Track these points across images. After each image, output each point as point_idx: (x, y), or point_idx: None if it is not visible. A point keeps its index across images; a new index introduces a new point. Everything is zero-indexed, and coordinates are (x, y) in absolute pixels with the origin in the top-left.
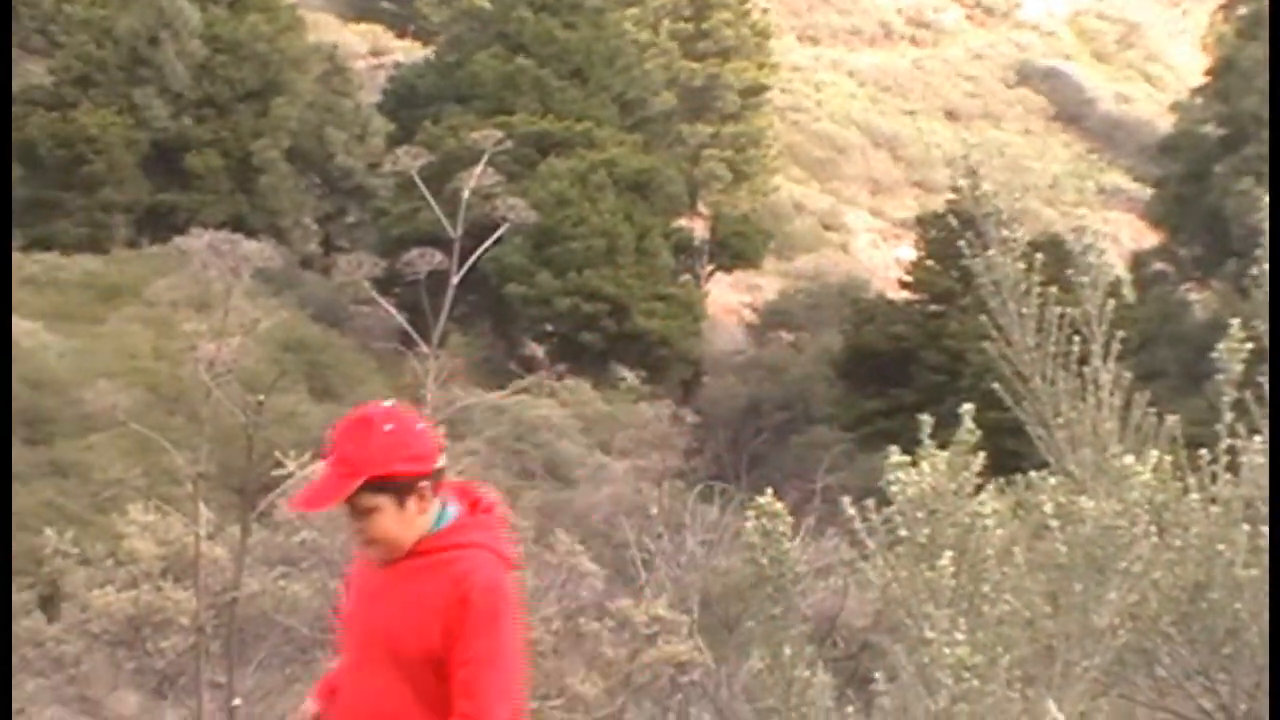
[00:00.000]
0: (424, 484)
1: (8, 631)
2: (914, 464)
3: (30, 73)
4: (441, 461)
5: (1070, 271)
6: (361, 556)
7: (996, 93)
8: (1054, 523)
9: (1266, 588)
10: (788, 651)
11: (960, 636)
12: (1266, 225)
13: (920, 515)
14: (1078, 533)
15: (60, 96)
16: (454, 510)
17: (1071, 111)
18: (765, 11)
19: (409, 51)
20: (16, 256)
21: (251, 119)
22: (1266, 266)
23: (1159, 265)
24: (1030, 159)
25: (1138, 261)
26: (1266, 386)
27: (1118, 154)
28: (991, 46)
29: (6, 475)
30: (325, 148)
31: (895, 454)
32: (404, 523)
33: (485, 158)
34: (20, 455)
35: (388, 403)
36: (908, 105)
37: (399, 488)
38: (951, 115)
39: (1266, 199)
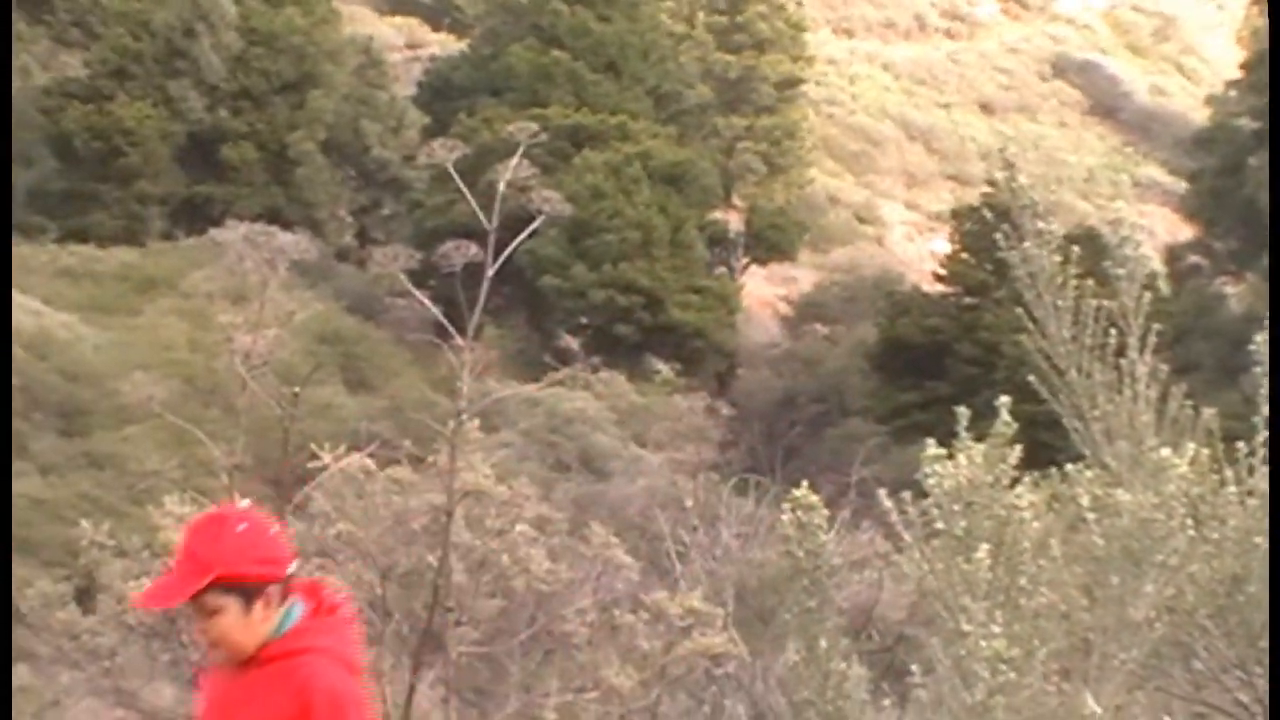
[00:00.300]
0: (272, 589)
1: (8, 632)
2: (950, 457)
3: (67, 65)
4: (292, 568)
5: (1107, 264)
6: (209, 661)
7: (1031, 85)
8: (1090, 515)
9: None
10: (823, 644)
11: (997, 629)
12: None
13: (957, 508)
14: (1114, 525)
15: (96, 89)
16: (298, 611)
17: (1107, 104)
18: (800, 4)
19: (444, 44)
20: (53, 249)
21: (287, 111)
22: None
23: (1194, 258)
24: (1065, 152)
25: (1172, 255)
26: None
27: (1153, 147)
28: (1026, 40)
29: (6, 474)
30: (360, 140)
31: (931, 446)
32: (248, 627)
33: (520, 150)
34: (56, 447)
35: (244, 503)
36: (942, 98)
37: (247, 590)
38: (986, 108)
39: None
